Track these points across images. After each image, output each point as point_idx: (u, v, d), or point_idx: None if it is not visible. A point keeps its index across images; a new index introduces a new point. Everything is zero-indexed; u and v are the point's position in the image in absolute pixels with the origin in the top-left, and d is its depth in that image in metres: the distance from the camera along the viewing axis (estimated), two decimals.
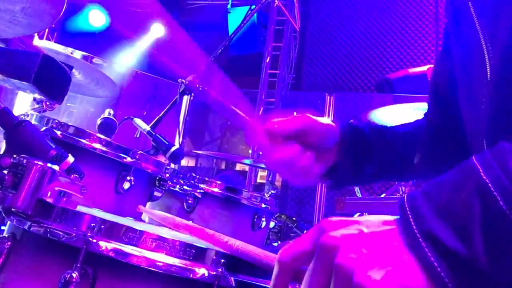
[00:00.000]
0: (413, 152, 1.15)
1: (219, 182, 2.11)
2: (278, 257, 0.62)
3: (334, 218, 0.59)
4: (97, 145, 1.64)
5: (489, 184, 0.51)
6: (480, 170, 0.53)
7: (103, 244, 0.96)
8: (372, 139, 1.13)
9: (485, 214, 0.50)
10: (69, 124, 1.65)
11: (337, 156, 1.11)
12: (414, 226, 0.53)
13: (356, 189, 3.88)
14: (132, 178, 1.69)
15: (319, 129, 1.07)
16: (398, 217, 0.56)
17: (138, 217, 1.82)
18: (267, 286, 1.05)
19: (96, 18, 7.34)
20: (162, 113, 2.54)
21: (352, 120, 1.15)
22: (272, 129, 1.04)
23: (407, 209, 0.55)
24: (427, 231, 0.53)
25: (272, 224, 2.29)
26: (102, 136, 1.68)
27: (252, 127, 1.09)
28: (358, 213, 3.84)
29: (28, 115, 1.72)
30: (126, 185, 1.68)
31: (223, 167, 7.63)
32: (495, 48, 0.79)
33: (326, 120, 1.11)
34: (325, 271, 0.55)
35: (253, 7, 3.63)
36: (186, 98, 2.85)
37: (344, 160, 1.10)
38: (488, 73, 0.79)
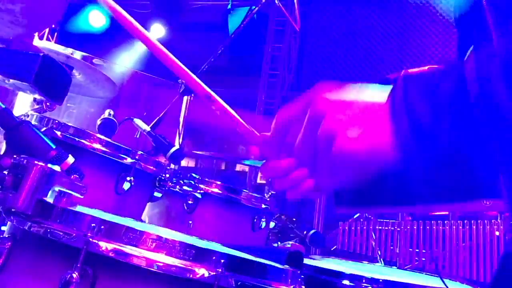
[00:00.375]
0: None
1: (219, 183, 2.11)
2: (276, 118, 0.71)
3: (326, 83, 0.67)
4: (97, 146, 1.64)
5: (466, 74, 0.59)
6: (464, 63, 0.60)
7: (103, 245, 0.96)
8: None
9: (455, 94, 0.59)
10: (69, 124, 1.65)
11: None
12: (399, 98, 0.62)
13: None
14: (132, 178, 1.69)
15: None
16: (391, 91, 0.64)
17: (138, 217, 1.83)
18: (267, 286, 1.06)
19: (96, 19, 7.35)
20: (162, 113, 2.54)
21: None
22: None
23: (400, 82, 0.63)
24: (411, 106, 0.61)
25: (272, 225, 2.29)
26: (102, 137, 1.68)
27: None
28: (358, 214, 3.85)
29: (28, 116, 1.72)
30: (126, 186, 1.68)
31: (223, 167, 7.63)
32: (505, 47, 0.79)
33: None
34: (311, 133, 0.64)
35: (253, 7, 3.63)
36: (186, 98, 2.84)
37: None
38: None
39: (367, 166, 0.63)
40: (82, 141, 1.62)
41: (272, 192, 2.45)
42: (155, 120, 2.44)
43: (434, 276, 1.99)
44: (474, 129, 0.58)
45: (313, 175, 0.68)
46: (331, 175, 0.65)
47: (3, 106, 1.07)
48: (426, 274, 2.08)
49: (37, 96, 1.75)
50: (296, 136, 0.68)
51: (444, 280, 1.64)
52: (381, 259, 3.30)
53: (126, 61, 7.43)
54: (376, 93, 0.65)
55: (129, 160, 1.68)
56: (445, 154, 0.60)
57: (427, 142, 0.60)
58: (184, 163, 7.14)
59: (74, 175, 1.07)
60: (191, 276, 0.98)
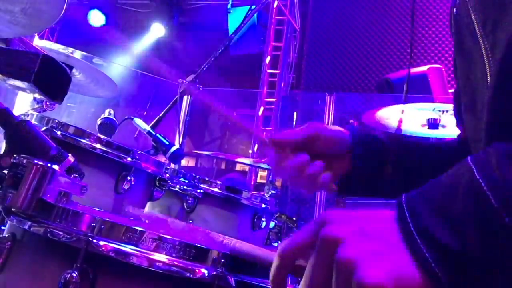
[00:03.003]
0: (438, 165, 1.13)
1: (219, 182, 2.11)
2: (279, 249, 0.63)
3: (334, 211, 0.60)
4: (97, 145, 1.64)
5: (482, 183, 0.53)
6: (474, 170, 0.55)
7: (103, 244, 0.96)
8: (388, 146, 1.11)
9: (479, 212, 0.52)
10: (69, 124, 1.65)
11: (349, 163, 1.08)
12: (410, 224, 0.56)
13: None
14: (132, 178, 1.69)
15: (328, 136, 1.05)
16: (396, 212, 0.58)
17: (138, 217, 1.82)
18: (267, 286, 1.06)
19: (95, 19, 7.35)
20: (162, 113, 2.54)
21: (360, 123, 1.13)
22: (280, 141, 1.04)
23: (404, 207, 0.58)
24: (423, 228, 0.55)
25: (272, 224, 2.29)
26: (102, 136, 1.68)
27: (261, 141, 1.09)
28: None
29: (28, 115, 1.72)
30: (126, 185, 1.68)
31: (223, 167, 7.63)
32: (495, 54, 0.79)
33: (336, 127, 1.09)
34: (326, 265, 0.57)
35: (253, 7, 3.63)
36: (186, 98, 2.85)
37: (357, 166, 1.08)
38: (488, 78, 0.80)
39: None
40: (82, 140, 1.62)
41: (272, 192, 2.45)
42: (155, 119, 2.44)
43: None
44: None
45: None
46: None
47: (3, 106, 1.07)
48: None
49: (37, 96, 1.75)
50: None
51: None
52: None
53: (126, 60, 7.43)
54: (385, 220, 0.59)
55: (129, 159, 1.68)
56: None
57: (461, 267, 0.53)
58: (184, 162, 7.15)
59: (74, 175, 1.07)
60: (191, 276, 0.98)
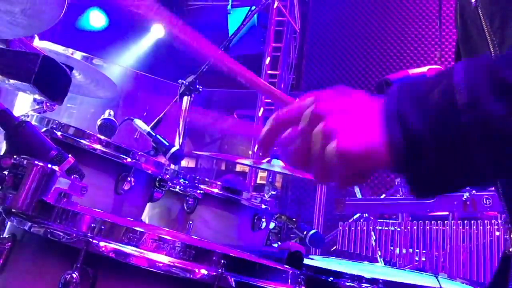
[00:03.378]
0: None
1: (219, 183, 2.11)
2: (272, 116, 0.73)
3: (327, 91, 0.70)
4: (97, 146, 1.64)
5: (455, 85, 0.61)
6: (454, 73, 0.63)
7: (103, 245, 0.96)
8: None
9: (445, 106, 0.61)
10: (69, 125, 1.65)
11: None
12: (392, 107, 0.64)
13: (356, 190, 3.88)
14: (132, 179, 1.69)
15: None
16: (384, 99, 0.67)
17: (138, 217, 1.83)
18: (267, 286, 1.06)
19: (96, 19, 7.35)
20: (162, 114, 2.55)
21: None
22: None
23: (396, 95, 0.66)
24: (402, 113, 0.63)
25: (272, 225, 2.29)
26: (102, 137, 1.68)
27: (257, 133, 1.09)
28: (358, 214, 3.85)
29: (28, 116, 1.72)
30: (126, 186, 1.68)
31: (223, 168, 7.64)
32: (502, 50, 0.79)
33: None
34: (308, 134, 0.67)
35: (253, 8, 3.63)
36: (186, 99, 2.85)
37: None
38: None
39: (362, 169, 0.65)
40: (82, 141, 1.62)
41: (272, 192, 2.45)
42: (155, 120, 2.44)
43: (433, 276, 1.99)
44: (463, 137, 0.60)
45: (310, 171, 0.70)
46: (329, 172, 0.67)
47: (3, 106, 1.07)
48: (425, 274, 2.08)
49: (37, 97, 1.75)
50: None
51: (444, 280, 1.64)
52: (381, 259, 3.30)
53: (126, 61, 7.43)
54: (370, 100, 0.68)
55: (129, 160, 1.68)
56: (438, 165, 0.62)
57: (420, 152, 0.62)
58: (184, 163, 7.15)
59: (74, 175, 1.07)
60: (191, 276, 0.98)
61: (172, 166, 2.24)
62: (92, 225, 0.98)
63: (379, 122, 0.64)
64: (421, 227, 3.20)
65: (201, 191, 2.03)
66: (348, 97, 0.69)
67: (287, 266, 1.24)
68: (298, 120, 0.69)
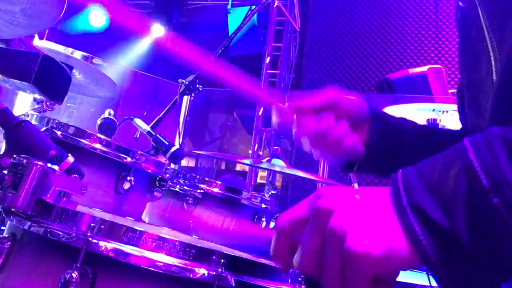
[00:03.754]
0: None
1: (219, 182, 2.10)
2: (277, 224, 0.65)
3: (330, 186, 0.63)
4: (97, 145, 1.64)
5: (475, 164, 0.55)
6: (469, 150, 0.56)
7: (103, 244, 0.96)
8: (405, 127, 1.11)
9: (469, 191, 0.54)
10: (69, 124, 1.64)
11: (366, 135, 1.06)
12: (403, 198, 0.58)
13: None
14: (132, 178, 1.69)
15: (349, 102, 1.04)
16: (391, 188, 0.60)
17: (138, 217, 1.82)
18: (267, 286, 1.06)
19: (96, 19, 7.35)
20: (162, 113, 2.55)
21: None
22: (302, 104, 1.01)
23: (399, 181, 0.60)
24: (415, 203, 0.56)
25: (272, 225, 2.29)
26: (102, 136, 1.68)
27: (278, 106, 1.04)
28: None
29: (28, 115, 1.72)
30: (126, 185, 1.68)
31: (223, 167, 7.63)
32: (502, 51, 0.79)
33: (355, 95, 1.07)
34: (319, 233, 0.59)
35: (253, 7, 3.63)
36: (186, 98, 2.85)
37: (374, 140, 1.06)
38: (494, 75, 0.79)
39: (384, 268, 0.57)
40: (82, 141, 1.62)
41: (272, 192, 2.45)
42: (155, 120, 2.44)
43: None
44: (500, 219, 0.53)
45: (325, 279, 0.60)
46: (345, 279, 0.58)
47: (3, 106, 1.07)
48: (426, 273, 2.08)
49: (37, 96, 1.75)
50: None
51: None
52: None
53: (126, 60, 7.43)
54: (380, 196, 0.61)
55: (129, 159, 1.68)
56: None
57: (449, 246, 0.54)
58: (184, 162, 7.15)
59: (74, 175, 1.07)
60: (191, 276, 0.98)
61: (172, 166, 2.24)
62: (92, 224, 0.98)
63: (390, 217, 0.57)
64: None
65: (201, 191, 2.03)
66: (352, 190, 0.62)
67: None
68: (305, 221, 0.62)
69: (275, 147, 2.45)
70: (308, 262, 0.60)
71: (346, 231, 0.56)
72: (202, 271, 0.99)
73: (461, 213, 0.53)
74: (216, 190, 2.07)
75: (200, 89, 2.73)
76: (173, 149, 2.00)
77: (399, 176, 0.60)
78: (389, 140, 1.07)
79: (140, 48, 7.67)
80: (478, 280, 0.55)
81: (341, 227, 0.56)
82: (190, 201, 2.01)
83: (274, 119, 1.05)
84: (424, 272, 2.01)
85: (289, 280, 1.15)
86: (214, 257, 1.01)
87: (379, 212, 0.58)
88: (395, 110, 2.89)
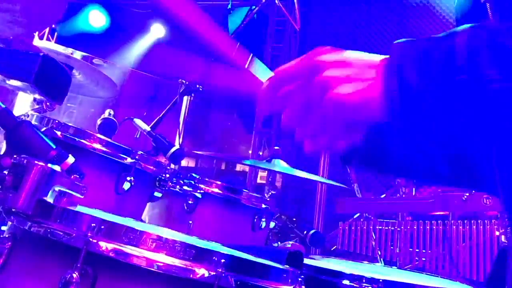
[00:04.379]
0: None
1: (219, 183, 2.11)
2: (273, 72, 0.73)
3: (327, 48, 0.70)
4: (98, 146, 1.64)
5: (455, 45, 0.62)
6: (457, 33, 0.64)
7: (103, 245, 0.96)
8: None
9: (444, 63, 0.62)
10: (69, 124, 1.65)
11: None
12: (396, 63, 0.65)
13: (356, 189, 3.88)
14: (132, 178, 1.69)
15: None
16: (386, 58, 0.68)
17: (138, 217, 1.83)
18: (267, 286, 1.06)
19: (96, 19, 7.35)
20: (162, 113, 2.54)
21: None
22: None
23: (397, 50, 0.68)
24: (401, 66, 0.64)
25: (272, 225, 2.29)
26: (102, 137, 1.68)
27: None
28: (358, 214, 3.85)
29: (28, 116, 1.72)
30: (126, 186, 1.68)
31: (223, 167, 7.63)
32: None
33: None
34: (307, 87, 0.67)
35: (253, 7, 3.64)
36: (186, 99, 2.85)
37: None
38: None
39: (356, 120, 0.66)
40: (82, 141, 1.62)
41: (272, 192, 2.45)
42: (155, 120, 2.44)
43: (434, 276, 1.99)
44: (462, 104, 0.61)
45: (305, 125, 0.69)
46: (323, 126, 0.67)
47: (3, 106, 1.07)
48: (426, 274, 2.08)
49: (37, 96, 1.75)
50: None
51: (444, 280, 1.64)
52: (381, 259, 3.30)
53: (126, 61, 7.43)
54: (372, 57, 0.69)
55: (129, 160, 1.68)
56: (432, 121, 0.63)
57: (414, 106, 0.63)
58: (184, 163, 7.15)
59: (74, 175, 1.07)
60: (191, 276, 0.98)
61: (172, 166, 2.24)
62: (92, 224, 0.98)
63: (378, 74, 0.65)
64: (421, 227, 3.20)
65: (201, 191, 2.03)
66: (348, 52, 0.69)
67: (287, 266, 1.24)
68: (298, 74, 0.69)
69: (275, 147, 2.45)
70: (294, 109, 0.69)
71: (330, 83, 0.64)
72: (202, 271, 0.99)
73: (428, 74, 0.62)
74: (216, 190, 2.07)
75: (200, 89, 2.74)
76: (173, 149, 2.01)
77: (400, 44, 0.69)
78: None
79: (140, 48, 7.67)
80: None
81: (325, 80, 0.65)
82: (190, 202, 2.02)
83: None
84: (424, 273, 2.01)
85: (289, 280, 1.15)
86: (214, 257, 1.01)
87: (367, 69, 0.66)
88: None
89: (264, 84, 0.74)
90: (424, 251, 3.15)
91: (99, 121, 2.14)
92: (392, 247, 3.27)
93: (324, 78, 0.66)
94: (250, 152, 5.91)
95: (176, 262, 0.98)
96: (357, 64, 0.67)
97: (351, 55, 0.69)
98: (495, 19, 0.83)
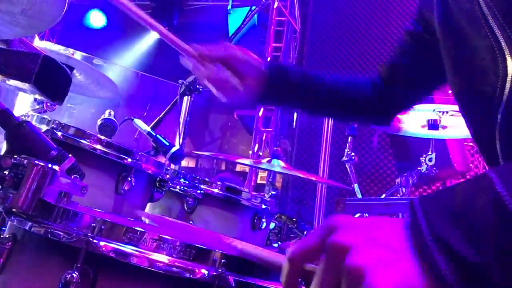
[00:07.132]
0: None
1: (219, 183, 2.11)
2: (288, 255, 0.62)
3: (342, 217, 0.59)
4: (98, 146, 1.64)
5: (504, 196, 0.51)
6: (496, 182, 0.52)
7: (103, 244, 0.96)
8: (297, 75, 1.36)
9: (499, 225, 0.50)
10: (70, 125, 1.65)
11: (261, 85, 1.32)
12: (424, 230, 0.53)
13: (356, 190, 3.88)
14: (132, 179, 1.69)
15: (243, 57, 1.30)
16: (407, 219, 0.56)
17: (138, 217, 1.82)
18: (267, 286, 1.06)
19: (96, 19, 7.36)
20: (163, 114, 2.55)
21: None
22: (204, 53, 1.29)
23: (418, 212, 0.55)
24: (438, 237, 0.52)
25: (272, 225, 2.29)
26: (102, 137, 1.68)
27: (187, 52, 1.31)
28: (358, 214, 3.85)
29: (29, 116, 1.72)
30: (127, 186, 1.68)
31: (223, 167, 7.64)
32: (509, 45, 0.79)
33: (254, 56, 1.33)
34: (336, 271, 0.56)
35: (253, 8, 3.64)
36: (186, 99, 2.85)
37: (267, 85, 1.32)
38: (509, 75, 0.79)
39: None
40: (83, 141, 1.62)
41: (273, 192, 2.45)
42: (156, 120, 2.44)
43: None
44: None
45: None
46: None
47: (4, 106, 1.07)
48: None
49: (37, 97, 1.75)
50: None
51: None
52: None
53: (126, 61, 7.44)
54: (388, 224, 0.58)
55: (129, 160, 1.68)
56: None
57: (476, 279, 0.50)
58: (184, 163, 7.15)
59: (75, 175, 1.07)
60: (191, 276, 0.98)
61: (172, 166, 2.24)
62: (93, 224, 0.98)
63: (409, 251, 0.54)
64: None
65: (201, 191, 2.03)
66: (368, 222, 0.58)
67: None
68: (318, 252, 0.59)
69: (275, 148, 2.45)
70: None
71: (364, 269, 0.52)
72: (202, 271, 0.99)
73: (491, 247, 0.50)
74: (216, 190, 2.07)
75: (200, 89, 2.74)
76: (173, 149, 2.01)
77: (417, 206, 0.56)
78: (280, 85, 1.35)
79: (140, 48, 7.68)
80: None
81: (358, 265, 0.53)
82: (190, 202, 2.02)
83: (188, 64, 1.33)
84: None
85: None
86: (214, 257, 1.01)
87: (395, 246, 0.54)
88: None
89: (283, 272, 0.65)
90: None
91: (99, 121, 2.14)
92: None
93: (355, 263, 0.53)
94: (250, 152, 5.91)
95: (176, 262, 0.98)
96: (385, 239, 0.55)
97: (374, 227, 0.57)
98: (495, 22, 0.82)
